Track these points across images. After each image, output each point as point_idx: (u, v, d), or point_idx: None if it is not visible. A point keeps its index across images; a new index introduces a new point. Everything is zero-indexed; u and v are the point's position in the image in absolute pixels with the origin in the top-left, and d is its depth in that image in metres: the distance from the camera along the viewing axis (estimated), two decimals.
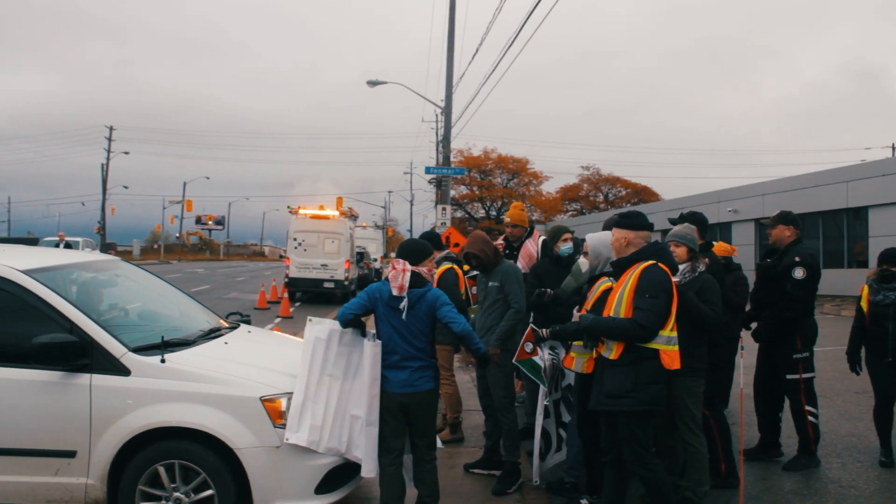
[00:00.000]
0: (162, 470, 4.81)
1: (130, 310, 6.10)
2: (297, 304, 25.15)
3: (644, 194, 63.18)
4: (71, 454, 4.82)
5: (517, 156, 65.82)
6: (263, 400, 4.87)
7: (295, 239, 25.93)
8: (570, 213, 65.52)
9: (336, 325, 5.18)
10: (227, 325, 6.41)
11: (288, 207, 27.65)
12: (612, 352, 4.86)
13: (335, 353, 5.14)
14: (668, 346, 4.79)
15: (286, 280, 25.55)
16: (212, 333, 5.90)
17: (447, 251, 8.21)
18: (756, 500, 5.87)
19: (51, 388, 4.83)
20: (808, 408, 6.56)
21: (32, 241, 7.40)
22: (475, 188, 65.11)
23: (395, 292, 5.05)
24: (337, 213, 27.46)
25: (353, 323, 5.16)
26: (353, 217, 30.80)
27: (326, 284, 25.65)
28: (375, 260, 37.52)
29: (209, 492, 4.81)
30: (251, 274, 45.61)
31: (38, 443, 4.83)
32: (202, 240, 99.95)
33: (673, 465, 5.71)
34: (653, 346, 4.77)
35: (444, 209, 26.92)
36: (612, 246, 5.23)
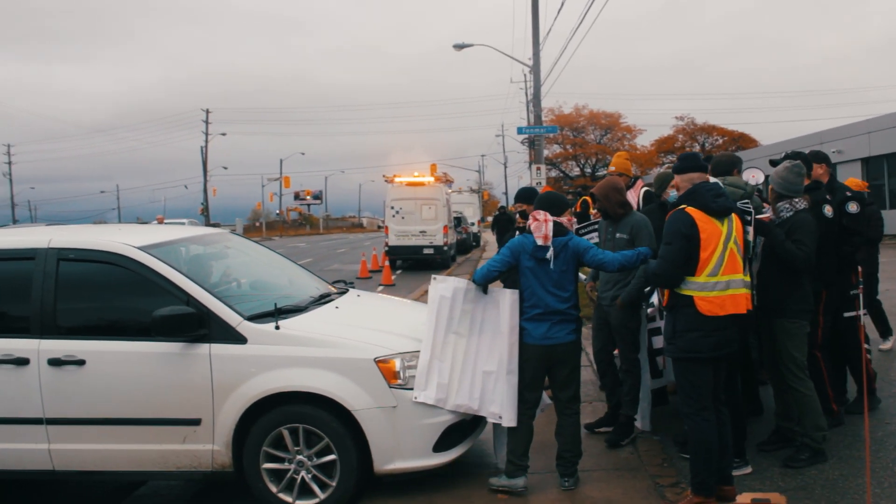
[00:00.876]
0: (286, 433, 4.92)
1: (242, 280, 6.23)
2: (399, 271, 25.42)
3: (742, 141, 61.01)
4: (196, 422, 4.98)
5: (609, 111, 64.79)
6: (377, 361, 4.91)
7: (392, 207, 26.19)
8: (667, 165, 63.77)
9: (460, 282, 5.22)
10: (336, 290, 6.49)
11: (383, 176, 27.94)
12: (665, 298, 4.84)
13: (460, 311, 5.17)
14: (703, 293, 4.61)
15: (386, 248, 25.87)
16: (322, 299, 5.98)
17: None
18: (880, 444, 5.62)
19: (173, 359, 4.98)
20: (865, 346, 6.31)
21: (142, 225, 7.67)
22: (568, 146, 64.47)
23: (539, 242, 5.02)
24: (432, 178, 27.53)
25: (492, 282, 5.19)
26: (448, 182, 30.80)
27: (426, 251, 25.89)
28: (473, 224, 37.44)
29: (331, 456, 4.89)
30: (351, 245, 46.28)
31: (164, 412, 5.00)
32: (301, 215, 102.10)
33: (788, 412, 5.60)
34: (686, 292, 4.65)
35: (538, 169, 26.69)
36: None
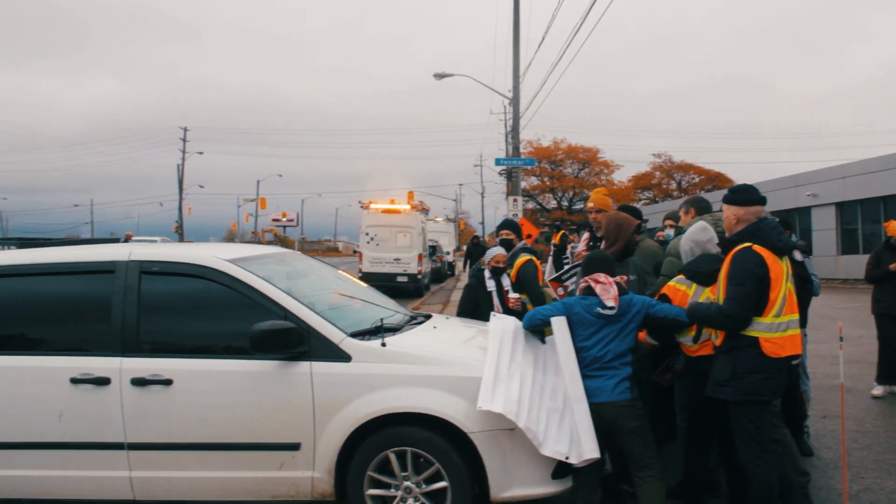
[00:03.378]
0: (393, 457, 4.61)
1: (329, 299, 5.89)
2: None
3: (718, 181, 60.92)
4: (295, 447, 4.66)
5: (587, 145, 65.40)
6: None
7: (367, 234, 25.98)
8: (643, 201, 63.61)
9: (519, 322, 5.13)
10: (422, 313, 6.20)
11: (360, 202, 27.69)
12: (718, 338, 4.65)
13: (523, 345, 4.97)
14: (769, 334, 4.45)
15: (359, 275, 25.38)
16: (413, 320, 5.73)
17: (523, 242, 7.79)
18: (855, 499, 5.42)
19: (269, 379, 4.68)
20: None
21: (114, 242, 7.34)
22: (545, 179, 64.75)
23: (610, 303, 4.83)
24: (408, 206, 27.34)
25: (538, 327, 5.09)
26: (424, 210, 30.67)
27: (399, 278, 25.60)
28: (448, 253, 37.25)
29: (442, 483, 4.57)
30: None
31: (259, 436, 4.68)
32: (277, 237, 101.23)
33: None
34: (751, 333, 4.46)
35: (515, 200, 26.72)
36: (724, 224, 4.92)
